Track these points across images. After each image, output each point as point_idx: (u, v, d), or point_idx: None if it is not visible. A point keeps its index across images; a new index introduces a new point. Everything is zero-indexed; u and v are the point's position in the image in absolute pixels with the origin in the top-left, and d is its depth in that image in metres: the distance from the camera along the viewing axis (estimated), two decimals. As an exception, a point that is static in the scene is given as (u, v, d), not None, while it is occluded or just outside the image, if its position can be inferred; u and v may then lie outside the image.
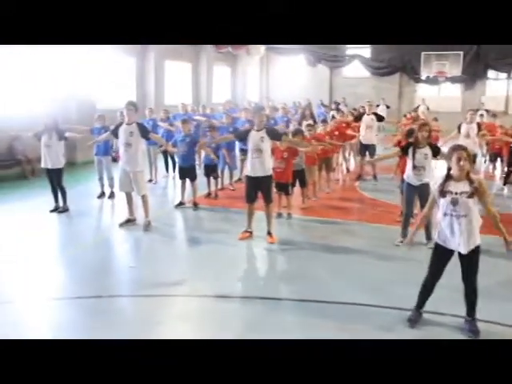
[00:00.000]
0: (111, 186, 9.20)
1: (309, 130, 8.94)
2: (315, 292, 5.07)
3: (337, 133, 10.48)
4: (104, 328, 4.36)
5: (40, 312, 4.82)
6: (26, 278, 5.58)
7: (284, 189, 7.77)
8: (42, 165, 8.19)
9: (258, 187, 6.65)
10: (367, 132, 10.73)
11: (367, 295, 4.96)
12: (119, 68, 15.76)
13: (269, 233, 6.74)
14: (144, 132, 7.16)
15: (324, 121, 10.80)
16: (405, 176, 6.49)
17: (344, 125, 11.32)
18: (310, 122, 10.35)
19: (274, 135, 6.67)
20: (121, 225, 7.38)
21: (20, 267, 5.89)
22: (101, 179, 9.28)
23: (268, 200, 6.72)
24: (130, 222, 7.43)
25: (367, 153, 10.77)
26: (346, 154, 12.45)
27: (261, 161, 6.52)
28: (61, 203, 8.28)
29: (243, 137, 6.83)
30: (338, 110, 15.99)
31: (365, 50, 24.40)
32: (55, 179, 8.16)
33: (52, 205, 8.27)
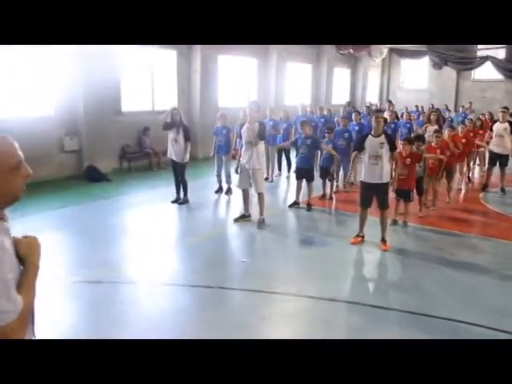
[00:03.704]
0: (228, 182, 9.55)
1: (436, 137, 8.47)
2: (425, 305, 4.86)
3: (464, 140, 9.85)
4: (211, 317, 4.58)
5: (156, 295, 5.17)
6: (147, 261, 6.02)
7: (406, 195, 7.48)
8: (168, 155, 8.73)
9: (373, 193, 6.50)
10: (497, 140, 9.95)
11: (484, 317, 4.62)
12: (242, 68, 16.25)
13: (382, 239, 6.57)
14: (260, 134, 7.26)
15: (451, 126, 10.20)
16: None
17: (481, 132, 10.60)
18: (437, 127, 9.83)
19: (391, 145, 6.40)
20: (236, 220, 7.65)
21: (142, 252, 6.37)
22: (219, 175, 9.66)
23: (384, 206, 6.54)
24: (244, 217, 7.66)
25: (498, 163, 10.03)
26: (471, 163, 11.66)
27: (379, 168, 6.32)
28: (182, 195, 8.78)
29: (361, 146, 6.51)
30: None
31: (499, 51, 22.60)
32: (179, 172, 8.67)
33: (174, 196, 8.80)
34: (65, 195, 9.22)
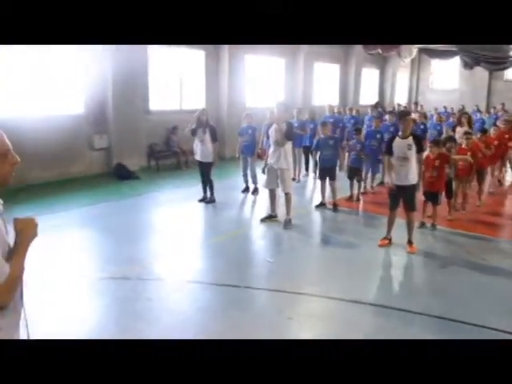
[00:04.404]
0: (254, 182, 9.56)
1: (467, 139, 8.30)
2: (452, 310, 4.76)
3: (496, 142, 9.62)
4: (238, 316, 4.59)
5: (182, 292, 5.22)
6: (174, 259, 6.09)
7: (434, 198, 7.36)
8: (196, 157, 8.80)
9: (401, 194, 6.42)
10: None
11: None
12: (269, 68, 16.24)
13: (409, 241, 6.49)
14: (288, 135, 7.22)
15: (483, 130, 9.95)
16: None
17: (507, 136, 10.35)
18: (467, 128, 9.63)
19: (419, 148, 6.28)
20: (262, 220, 7.65)
21: (169, 249, 6.45)
22: (245, 175, 9.69)
23: (410, 208, 6.44)
24: (271, 218, 7.66)
25: None
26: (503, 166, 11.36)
27: (406, 169, 6.23)
28: (208, 194, 8.82)
29: (390, 148, 6.43)
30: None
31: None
32: (205, 171, 8.71)
33: (201, 195, 8.85)
34: (94, 192, 9.38)
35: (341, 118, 13.11)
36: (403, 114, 6.77)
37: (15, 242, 1.96)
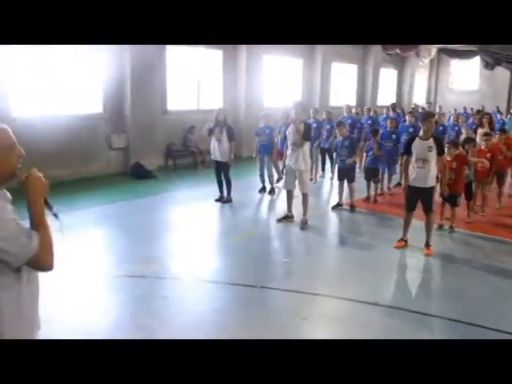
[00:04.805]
0: (271, 182, 9.56)
1: (485, 140, 8.18)
2: (469, 314, 4.70)
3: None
4: (253, 316, 4.60)
5: (198, 291, 5.24)
6: (190, 258, 6.12)
7: (452, 200, 7.25)
8: (212, 157, 8.83)
9: (419, 196, 6.36)
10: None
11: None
12: (287, 69, 16.22)
13: (427, 244, 6.42)
14: (306, 135, 7.22)
15: (502, 130, 9.80)
16: None
17: None
18: (487, 130, 9.50)
19: (439, 150, 6.21)
20: (279, 220, 7.64)
21: (186, 248, 6.48)
22: (261, 175, 9.69)
23: (429, 209, 6.37)
24: (287, 218, 7.64)
25: None
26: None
27: (425, 171, 6.15)
28: (225, 194, 8.84)
29: (409, 148, 6.35)
30: None
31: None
32: (223, 171, 8.73)
33: (217, 194, 8.88)
34: (112, 191, 9.47)
35: (358, 118, 13.02)
36: (428, 116, 6.59)
37: (29, 206, 1.99)
